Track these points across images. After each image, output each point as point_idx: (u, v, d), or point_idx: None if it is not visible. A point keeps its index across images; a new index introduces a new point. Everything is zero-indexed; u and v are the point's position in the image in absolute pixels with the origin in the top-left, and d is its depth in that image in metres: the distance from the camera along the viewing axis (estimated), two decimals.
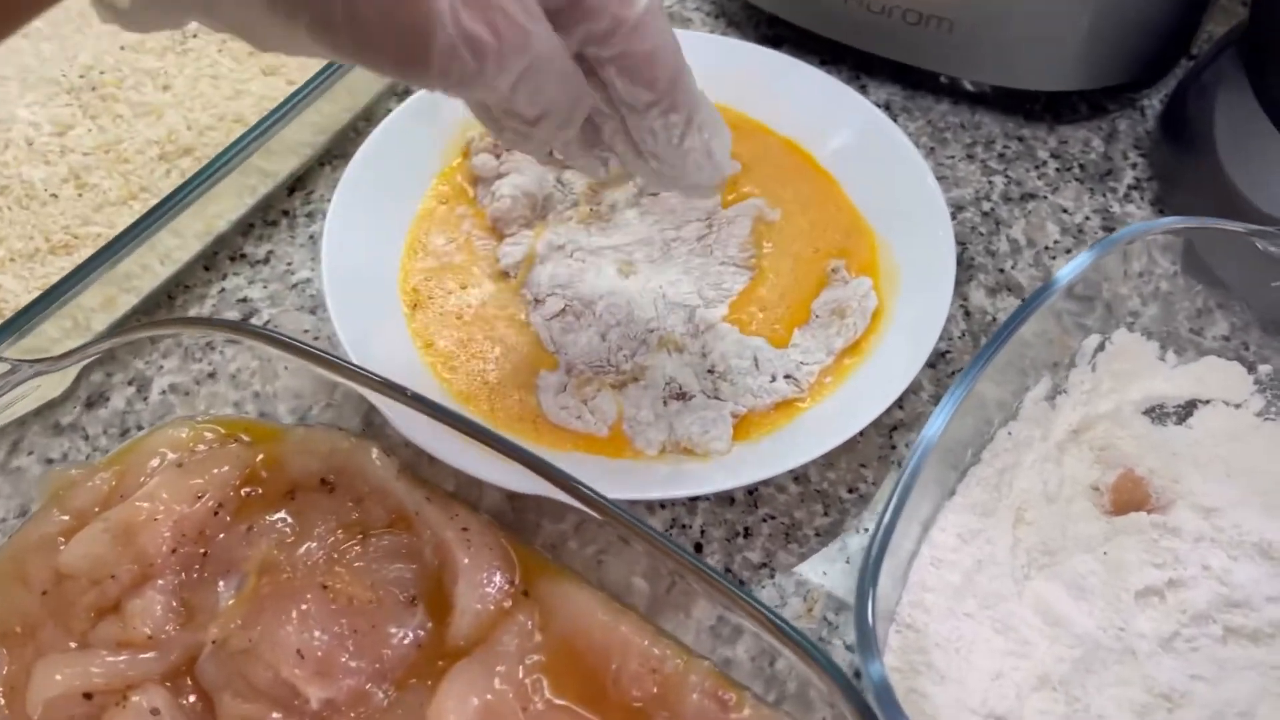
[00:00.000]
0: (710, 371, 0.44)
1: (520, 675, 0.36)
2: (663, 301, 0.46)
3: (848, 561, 0.42)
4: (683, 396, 0.44)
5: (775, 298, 0.47)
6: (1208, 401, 0.45)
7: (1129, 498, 0.41)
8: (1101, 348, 0.44)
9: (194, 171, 0.46)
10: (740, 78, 0.54)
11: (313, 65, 0.52)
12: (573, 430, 0.43)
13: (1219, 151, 0.48)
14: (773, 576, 0.42)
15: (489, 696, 0.35)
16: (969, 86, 0.57)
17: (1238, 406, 0.44)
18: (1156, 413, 0.45)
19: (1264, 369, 0.44)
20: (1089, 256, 0.41)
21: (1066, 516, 0.41)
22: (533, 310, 0.47)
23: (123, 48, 0.55)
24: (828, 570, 0.42)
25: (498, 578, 0.37)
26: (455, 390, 0.44)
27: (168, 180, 0.50)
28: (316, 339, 0.48)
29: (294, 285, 0.50)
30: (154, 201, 0.46)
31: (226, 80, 0.54)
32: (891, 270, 0.47)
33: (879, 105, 0.57)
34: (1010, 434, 0.42)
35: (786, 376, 0.44)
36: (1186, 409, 0.45)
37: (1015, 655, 0.37)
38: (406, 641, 0.36)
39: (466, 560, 0.37)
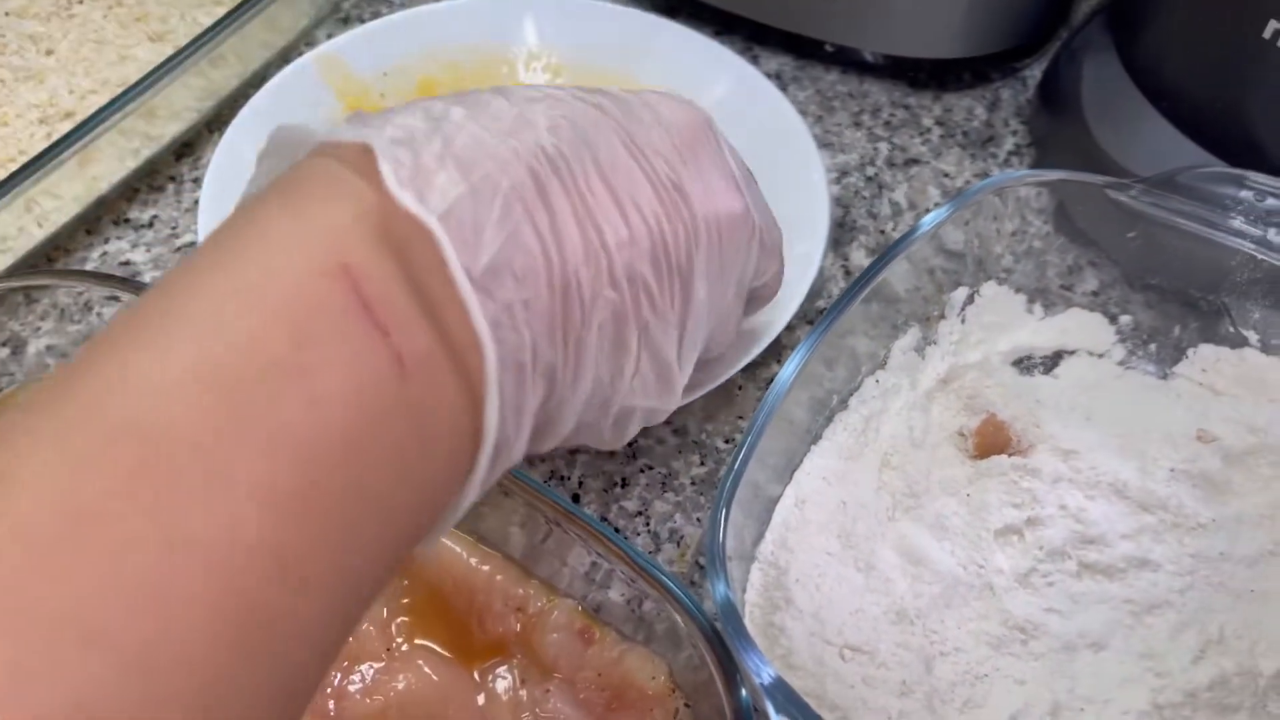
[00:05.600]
0: None
1: (384, 618, 0.36)
2: None
3: None
4: None
5: None
6: (1073, 352, 0.46)
7: (992, 441, 0.42)
8: (971, 300, 0.45)
9: None
10: (627, 44, 0.55)
11: (199, 30, 0.52)
12: None
13: (1086, 114, 0.50)
14: (648, 524, 0.43)
15: (350, 639, 0.35)
16: (867, 57, 0.58)
17: (1101, 356, 0.46)
18: (1025, 363, 0.46)
19: (1125, 320, 0.46)
20: (950, 208, 0.42)
21: (932, 461, 0.42)
22: None
23: (6, 13, 0.54)
24: (701, 518, 0.43)
25: None
26: None
27: (47, 143, 0.49)
28: None
29: (179, 249, 0.50)
30: None
31: (111, 46, 0.53)
32: None
33: (770, 75, 0.58)
34: (878, 382, 0.43)
35: None
36: (1053, 359, 0.46)
37: (875, 591, 0.38)
38: None
39: None
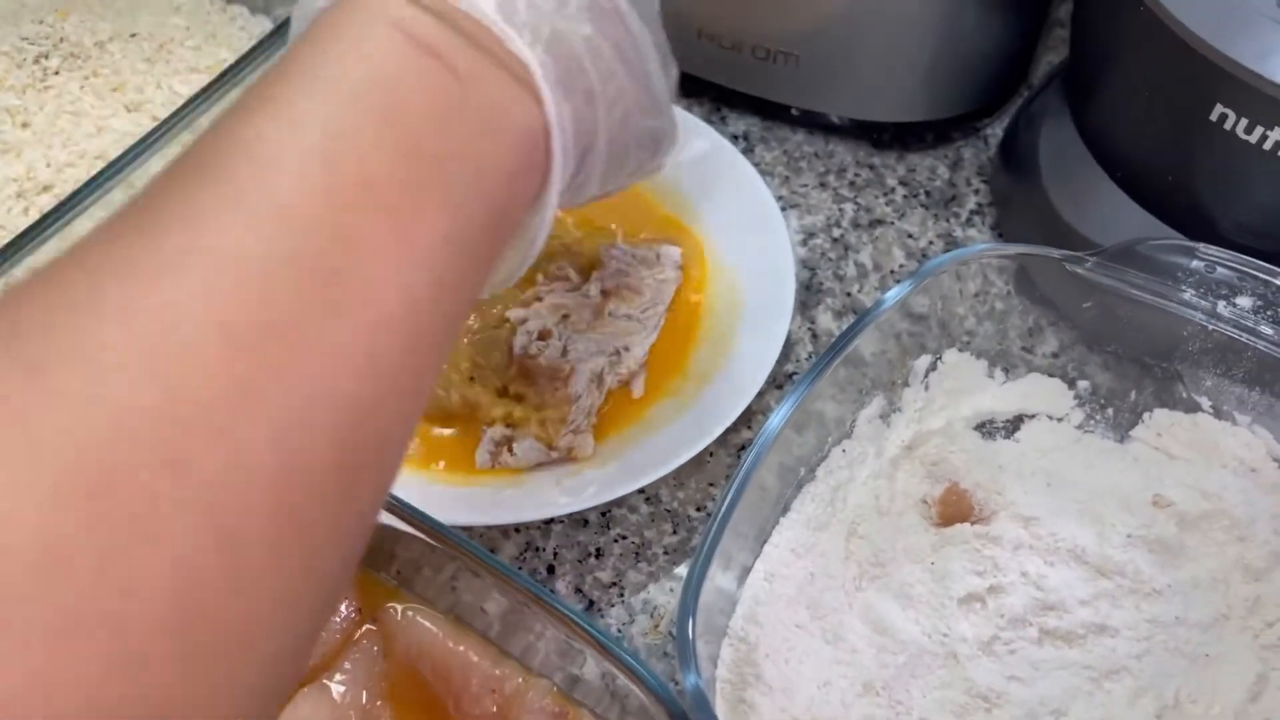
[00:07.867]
0: None
1: (364, 700, 0.37)
2: None
3: None
4: None
5: None
6: (1033, 416, 0.47)
7: (954, 510, 0.44)
8: (934, 367, 0.47)
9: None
10: None
11: (177, 103, 0.53)
12: None
13: (1043, 177, 0.51)
14: (622, 595, 0.43)
15: None
16: (833, 119, 0.60)
17: (1060, 420, 0.47)
18: (987, 428, 0.47)
19: (1083, 384, 0.47)
20: (913, 282, 0.43)
21: (897, 529, 0.43)
22: None
23: None
24: (675, 587, 0.44)
25: (342, 606, 0.38)
26: None
27: (25, 218, 0.50)
28: None
29: None
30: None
31: (88, 117, 0.54)
32: (737, 297, 0.49)
33: (738, 136, 0.59)
34: (844, 451, 0.44)
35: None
36: (1015, 423, 0.47)
37: (843, 664, 0.39)
38: None
39: None
